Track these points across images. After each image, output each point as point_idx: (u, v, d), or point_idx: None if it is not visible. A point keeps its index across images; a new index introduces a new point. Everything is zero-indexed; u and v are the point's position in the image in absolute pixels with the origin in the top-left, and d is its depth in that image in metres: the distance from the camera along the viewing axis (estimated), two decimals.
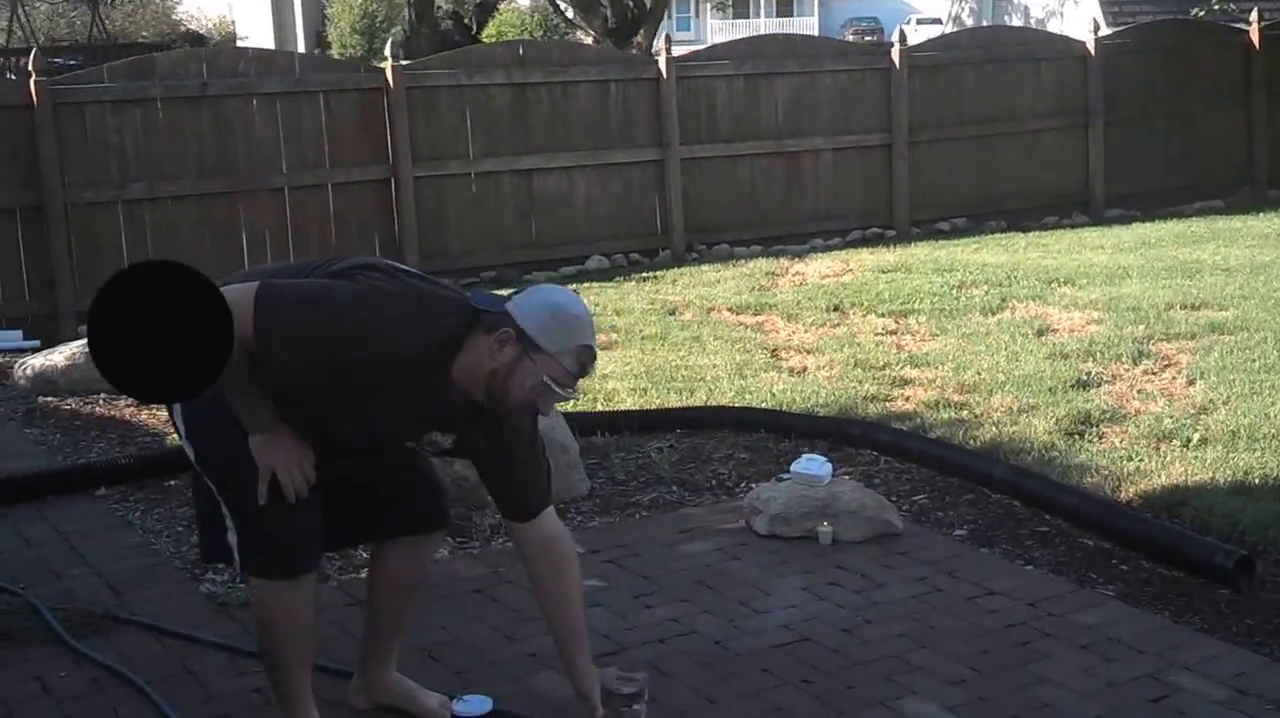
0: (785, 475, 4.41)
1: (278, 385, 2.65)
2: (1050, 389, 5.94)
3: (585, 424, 5.30)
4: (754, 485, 4.62)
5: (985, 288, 8.50)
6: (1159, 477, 4.67)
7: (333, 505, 2.87)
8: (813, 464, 4.36)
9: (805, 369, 6.69)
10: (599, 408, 5.83)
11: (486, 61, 10.03)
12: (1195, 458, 4.89)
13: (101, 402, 6.32)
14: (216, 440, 2.78)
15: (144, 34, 35.27)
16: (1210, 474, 4.70)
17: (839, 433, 5.22)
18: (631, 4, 27.29)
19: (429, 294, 2.72)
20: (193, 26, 44.09)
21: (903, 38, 11.62)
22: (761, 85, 10.86)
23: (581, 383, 2.72)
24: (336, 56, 41.27)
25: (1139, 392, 5.93)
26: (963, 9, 31.37)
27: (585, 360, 2.69)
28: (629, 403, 5.96)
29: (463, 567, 4.11)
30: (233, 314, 2.42)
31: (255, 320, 2.52)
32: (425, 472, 3.08)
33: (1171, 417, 5.44)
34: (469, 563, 4.15)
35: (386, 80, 9.45)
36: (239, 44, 41.42)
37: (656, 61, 10.50)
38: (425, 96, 9.66)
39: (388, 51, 9.67)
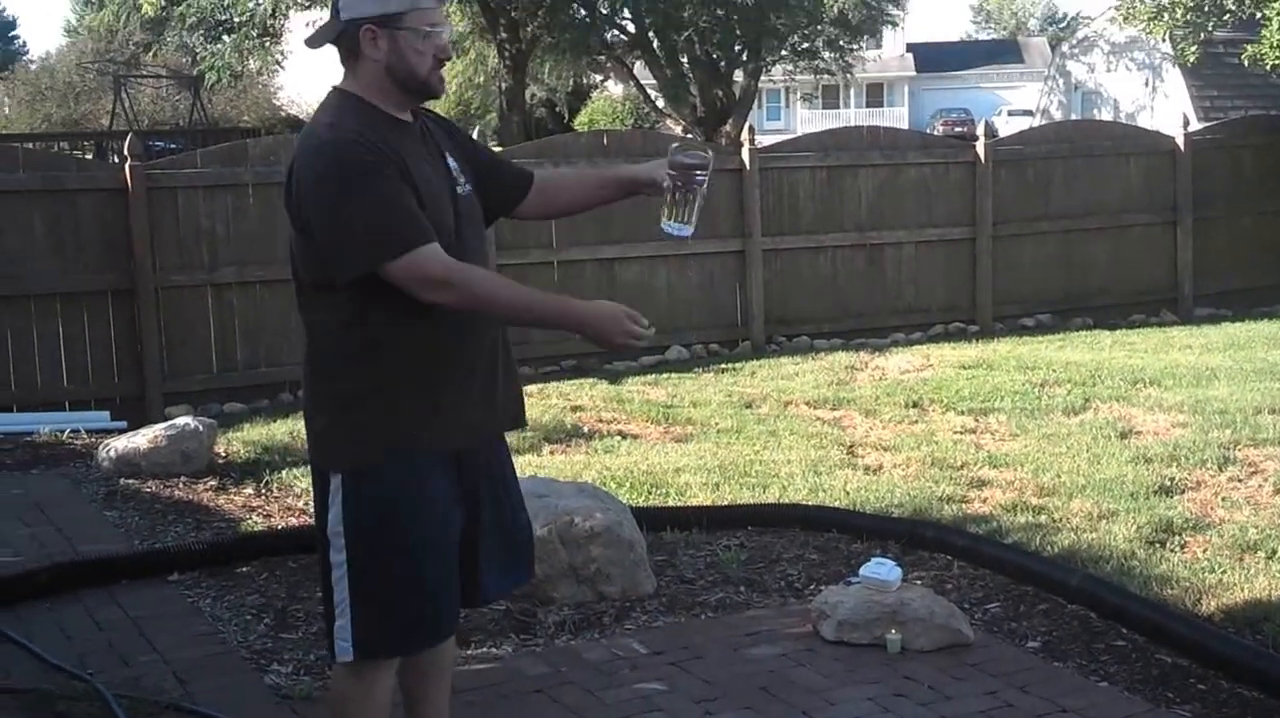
0: (854, 579, 4.34)
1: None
2: (1132, 495, 5.80)
3: (655, 519, 5.28)
4: (823, 588, 4.56)
5: (1068, 387, 8.37)
6: (1241, 590, 4.52)
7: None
8: (882, 568, 4.29)
9: (881, 467, 6.61)
10: (670, 503, 5.81)
11: (571, 151, 10.19)
12: None
13: (181, 485, 6.41)
14: (377, 512, 2.74)
15: (245, 118, 36.35)
16: None
17: (912, 535, 5.14)
18: (720, 94, 27.65)
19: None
20: (293, 111, 45.39)
21: (988, 131, 11.60)
22: (845, 177, 10.90)
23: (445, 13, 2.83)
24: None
25: (1224, 499, 5.76)
26: (1051, 102, 31.29)
27: None
28: (701, 498, 5.93)
29: (526, 664, 4.09)
30: (425, 265, 2.63)
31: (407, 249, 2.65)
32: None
33: (1257, 527, 5.28)
34: (532, 661, 4.12)
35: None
36: None
37: (739, 152, 10.59)
38: None
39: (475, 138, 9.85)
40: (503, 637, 4.29)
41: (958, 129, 38.65)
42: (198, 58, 24.63)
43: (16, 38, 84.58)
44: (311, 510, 3.10)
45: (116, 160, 8.84)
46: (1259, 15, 14.43)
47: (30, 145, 20.88)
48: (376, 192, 2.61)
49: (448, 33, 2.81)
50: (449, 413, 2.80)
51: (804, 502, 5.77)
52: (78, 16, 60.67)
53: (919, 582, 4.71)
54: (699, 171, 2.86)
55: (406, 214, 2.62)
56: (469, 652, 4.16)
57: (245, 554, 5.11)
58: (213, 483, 6.47)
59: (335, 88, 2.83)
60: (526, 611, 4.46)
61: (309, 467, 2.95)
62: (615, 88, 42.81)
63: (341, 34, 2.74)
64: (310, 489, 2.98)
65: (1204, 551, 5.05)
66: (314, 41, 2.88)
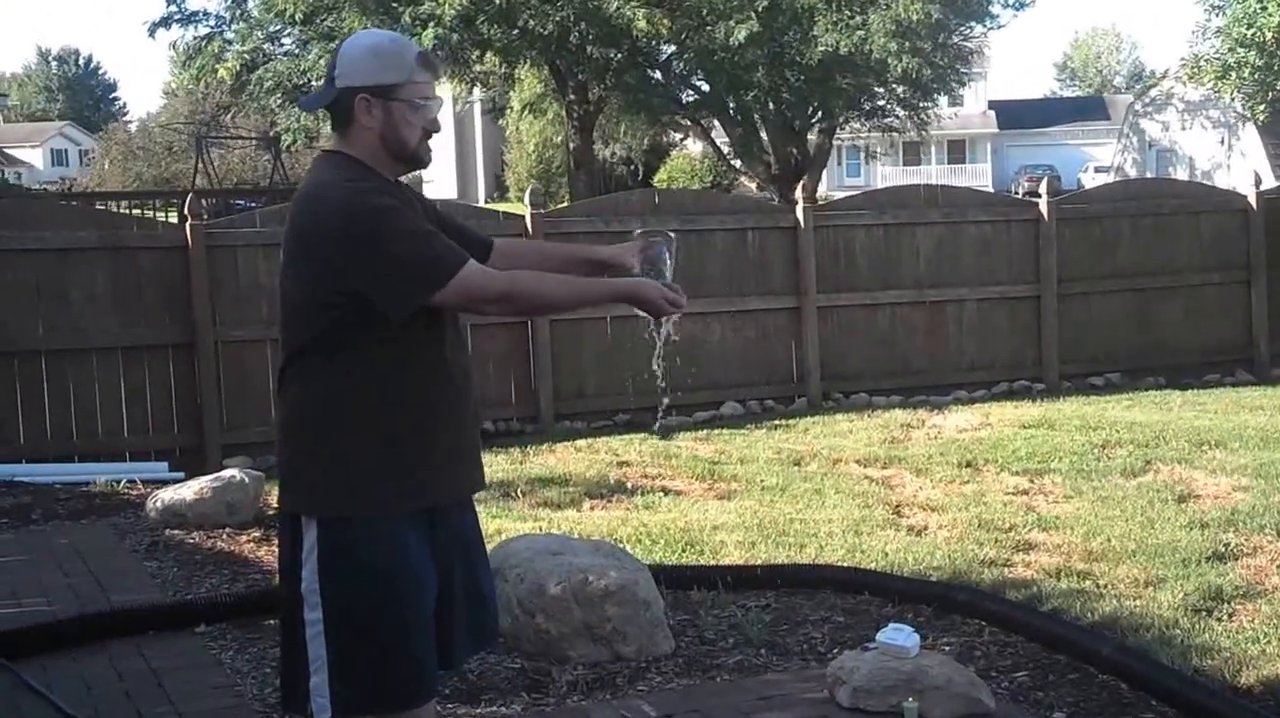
0: (871, 645, 4.22)
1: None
2: (1183, 561, 5.60)
3: (679, 579, 5.20)
4: (846, 652, 4.43)
5: (1130, 448, 8.15)
6: None
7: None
8: (899, 634, 4.16)
9: (925, 528, 6.47)
10: (704, 561, 5.72)
11: (623, 210, 10.22)
12: None
13: (224, 536, 6.44)
14: (355, 571, 2.72)
15: None
16: None
17: (944, 599, 5.00)
18: (795, 151, 27.66)
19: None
20: None
21: (1052, 189, 11.45)
22: (903, 235, 10.80)
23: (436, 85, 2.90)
24: (515, 199, 42.74)
25: (1279, 566, 5.54)
26: (1126, 159, 30.89)
27: (429, 63, 2.84)
28: (735, 556, 5.83)
29: None
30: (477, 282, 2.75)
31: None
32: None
33: None
34: None
35: (526, 227, 9.68)
36: (424, 188, 43.31)
37: (794, 210, 10.54)
38: (564, 243, 9.84)
39: (528, 200, 9.93)
40: (514, 695, 4.22)
41: (1040, 186, 38.27)
42: (275, 120, 25.21)
43: (117, 99, 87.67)
44: None
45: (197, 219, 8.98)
46: None
47: (109, 205, 21.45)
48: (410, 229, 2.71)
49: (438, 107, 2.86)
50: (439, 469, 2.81)
51: (840, 563, 5.65)
52: (175, 79, 62.71)
53: (947, 647, 4.58)
54: (663, 252, 3.01)
55: (442, 242, 2.73)
56: (478, 710, 4.10)
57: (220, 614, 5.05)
58: (256, 534, 6.49)
59: (329, 150, 2.88)
60: (540, 669, 4.40)
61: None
62: (694, 146, 43.09)
63: (337, 100, 2.80)
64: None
65: (1252, 620, 4.85)
66: (309, 105, 2.99)
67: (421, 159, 2.85)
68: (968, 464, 7.90)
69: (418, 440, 2.77)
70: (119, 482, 7.91)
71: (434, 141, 2.90)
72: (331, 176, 2.78)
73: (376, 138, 2.78)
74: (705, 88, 26.24)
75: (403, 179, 2.89)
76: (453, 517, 2.88)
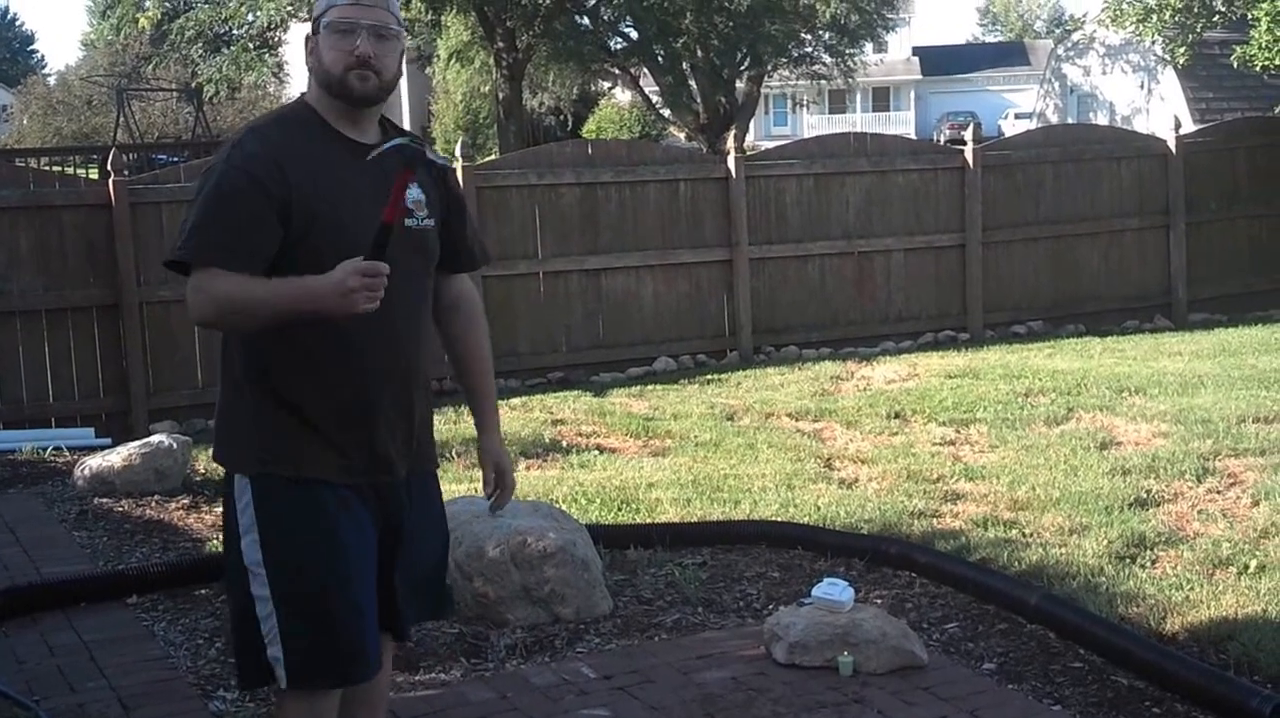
0: (807, 600, 4.29)
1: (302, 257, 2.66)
2: (1106, 508, 5.73)
3: (616, 538, 5.23)
4: (782, 608, 4.50)
5: (1053, 396, 8.30)
6: (1208, 608, 4.45)
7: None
8: (834, 589, 4.23)
9: (856, 480, 6.56)
10: (640, 519, 5.76)
11: (556, 161, 10.14)
12: (1249, 588, 4.65)
13: (154, 504, 6.38)
14: (293, 542, 2.71)
15: None
16: (1263, 606, 4.46)
17: (875, 552, 5.08)
18: (723, 100, 27.59)
19: None
20: None
21: (977, 136, 11.54)
22: (832, 185, 10.84)
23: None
24: (442, 152, 42.27)
25: (1199, 512, 5.69)
26: (1048, 105, 31.15)
27: None
28: (671, 514, 5.88)
29: (472, 690, 4.03)
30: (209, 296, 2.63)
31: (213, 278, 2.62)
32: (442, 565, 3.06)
33: (1230, 541, 5.21)
34: (479, 686, 4.06)
35: (458, 180, 9.56)
36: None
37: (725, 161, 10.54)
38: (496, 196, 9.78)
39: (458, 152, 9.83)
40: (453, 661, 4.24)
41: (964, 133, 38.43)
42: (197, 71, 24.68)
43: (35, 52, 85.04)
44: None
45: (120, 175, 8.75)
46: (1249, 16, 14.33)
47: (29, 162, 20.85)
48: (218, 194, 2.64)
49: (366, 38, 2.72)
50: (342, 444, 2.75)
51: (774, 517, 5.72)
52: (94, 30, 60.90)
53: (879, 601, 4.66)
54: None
55: (222, 232, 2.62)
56: (417, 677, 4.12)
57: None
58: (185, 501, 6.43)
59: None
60: (479, 633, 4.42)
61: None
62: (623, 95, 42.77)
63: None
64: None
65: (1174, 566, 4.98)
66: None
67: (349, 89, 2.72)
68: (896, 415, 8.00)
69: (320, 409, 2.72)
70: (45, 449, 7.79)
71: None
72: (249, 126, 2.85)
73: (314, 76, 2.78)
74: (634, 35, 26.07)
75: (381, 122, 2.83)
76: (402, 490, 2.84)
